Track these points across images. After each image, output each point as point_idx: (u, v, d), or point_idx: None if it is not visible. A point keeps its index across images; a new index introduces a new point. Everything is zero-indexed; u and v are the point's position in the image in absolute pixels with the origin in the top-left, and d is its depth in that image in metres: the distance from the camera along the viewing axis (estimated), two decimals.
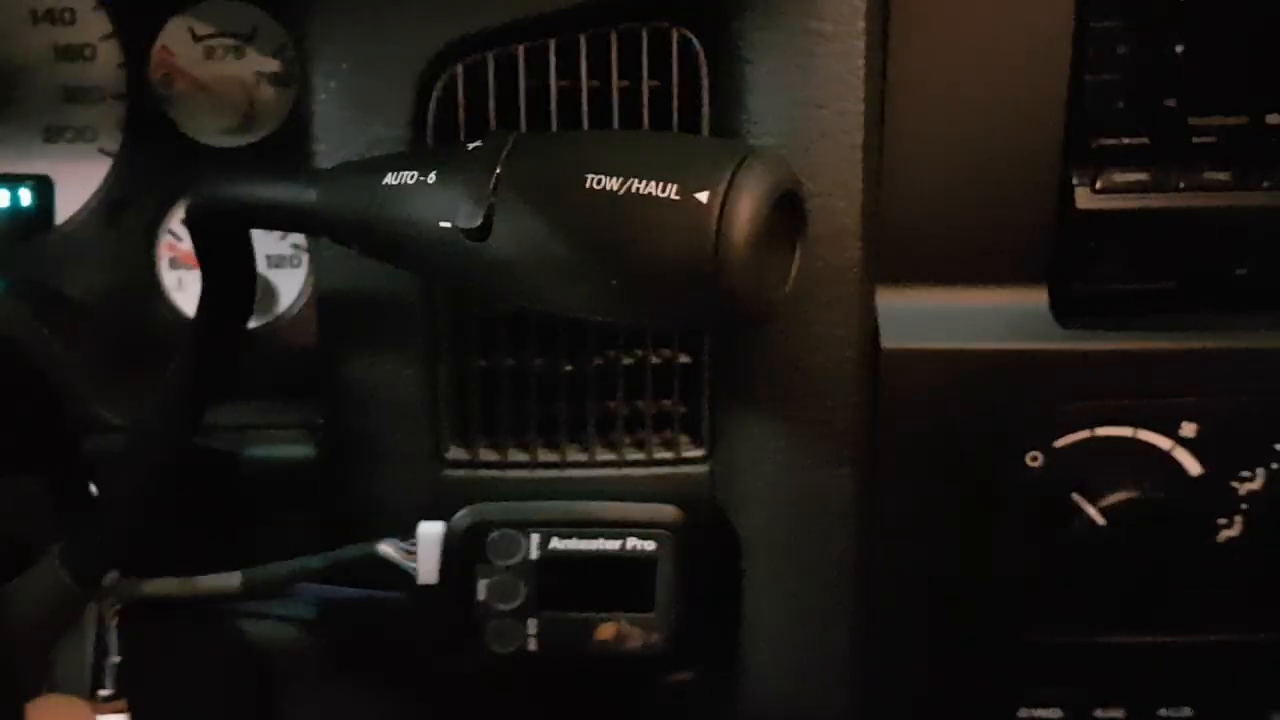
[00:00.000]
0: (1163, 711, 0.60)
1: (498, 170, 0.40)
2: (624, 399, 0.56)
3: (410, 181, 0.42)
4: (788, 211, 0.38)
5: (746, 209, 0.36)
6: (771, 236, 0.37)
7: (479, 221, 0.39)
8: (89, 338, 0.61)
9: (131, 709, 0.62)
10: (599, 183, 0.37)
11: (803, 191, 0.40)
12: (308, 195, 0.45)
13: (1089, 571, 0.56)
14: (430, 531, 0.55)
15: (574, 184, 0.38)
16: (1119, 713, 0.60)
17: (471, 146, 0.41)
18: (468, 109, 0.52)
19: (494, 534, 0.55)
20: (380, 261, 0.46)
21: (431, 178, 0.41)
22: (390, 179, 0.42)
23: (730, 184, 0.36)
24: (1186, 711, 0.60)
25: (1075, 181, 0.55)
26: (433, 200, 0.41)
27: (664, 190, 0.37)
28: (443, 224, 0.40)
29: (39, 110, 0.63)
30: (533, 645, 0.56)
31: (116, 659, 0.67)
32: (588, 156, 0.39)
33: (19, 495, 0.57)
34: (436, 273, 0.44)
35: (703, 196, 0.36)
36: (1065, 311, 0.56)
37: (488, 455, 0.57)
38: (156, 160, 0.63)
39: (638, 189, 0.37)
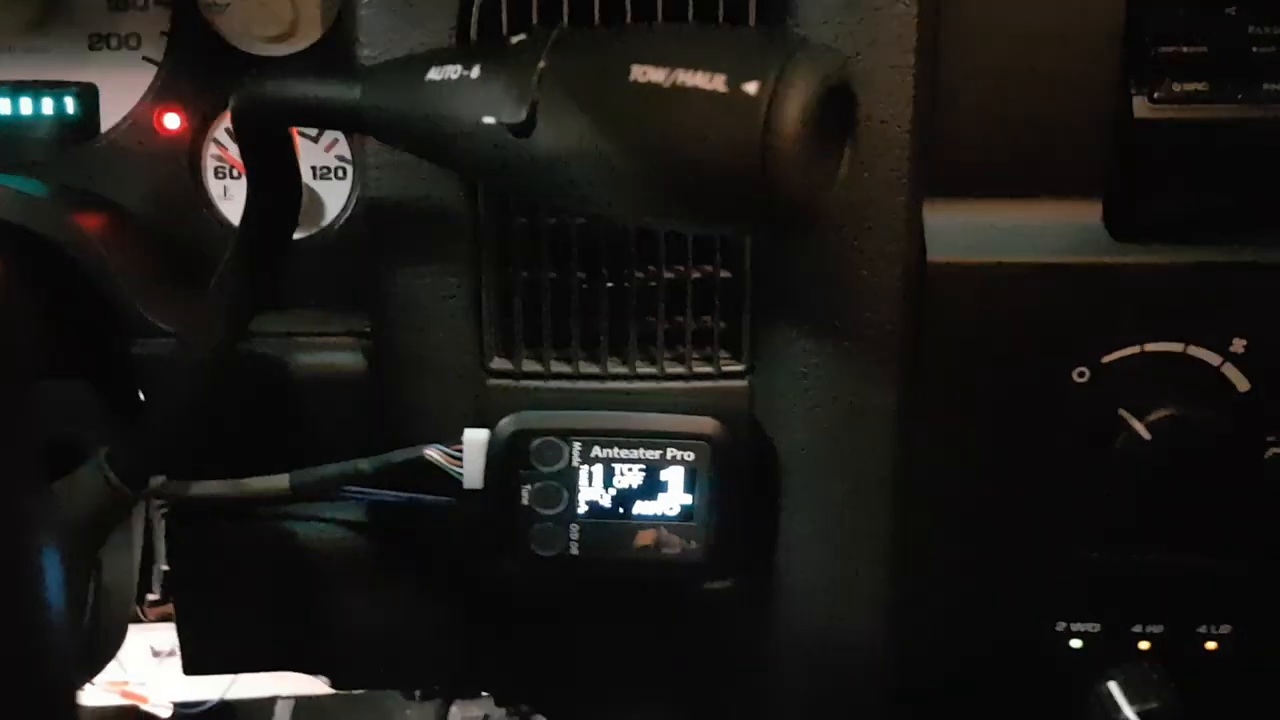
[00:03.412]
0: (1202, 629, 0.60)
1: (541, 63, 0.39)
2: (665, 314, 0.56)
3: (454, 77, 0.41)
4: (838, 106, 0.37)
5: (796, 101, 0.35)
6: (821, 132, 0.36)
7: (522, 116, 0.39)
8: (134, 245, 0.61)
9: (177, 610, 0.64)
10: (644, 74, 0.37)
11: (854, 85, 0.39)
12: (352, 93, 0.44)
13: (1134, 488, 0.55)
14: (476, 437, 0.56)
15: (619, 76, 0.37)
16: (1157, 629, 0.60)
17: (515, 40, 0.40)
18: (511, 13, 0.51)
19: (537, 441, 0.55)
20: (425, 160, 0.46)
21: (475, 72, 0.41)
22: (434, 74, 0.42)
23: (780, 75, 0.35)
24: (1226, 629, 0.60)
25: (1133, 91, 0.53)
26: (476, 96, 0.40)
27: (710, 81, 0.36)
28: (486, 120, 0.40)
29: (83, 18, 0.63)
30: (575, 549, 0.56)
31: (164, 566, 0.69)
32: (633, 47, 0.38)
33: (67, 399, 0.58)
34: (481, 171, 0.44)
35: (750, 88, 0.35)
36: (1119, 225, 0.55)
37: (530, 366, 0.57)
38: (201, 69, 0.63)
39: (683, 80, 0.36)
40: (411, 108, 0.43)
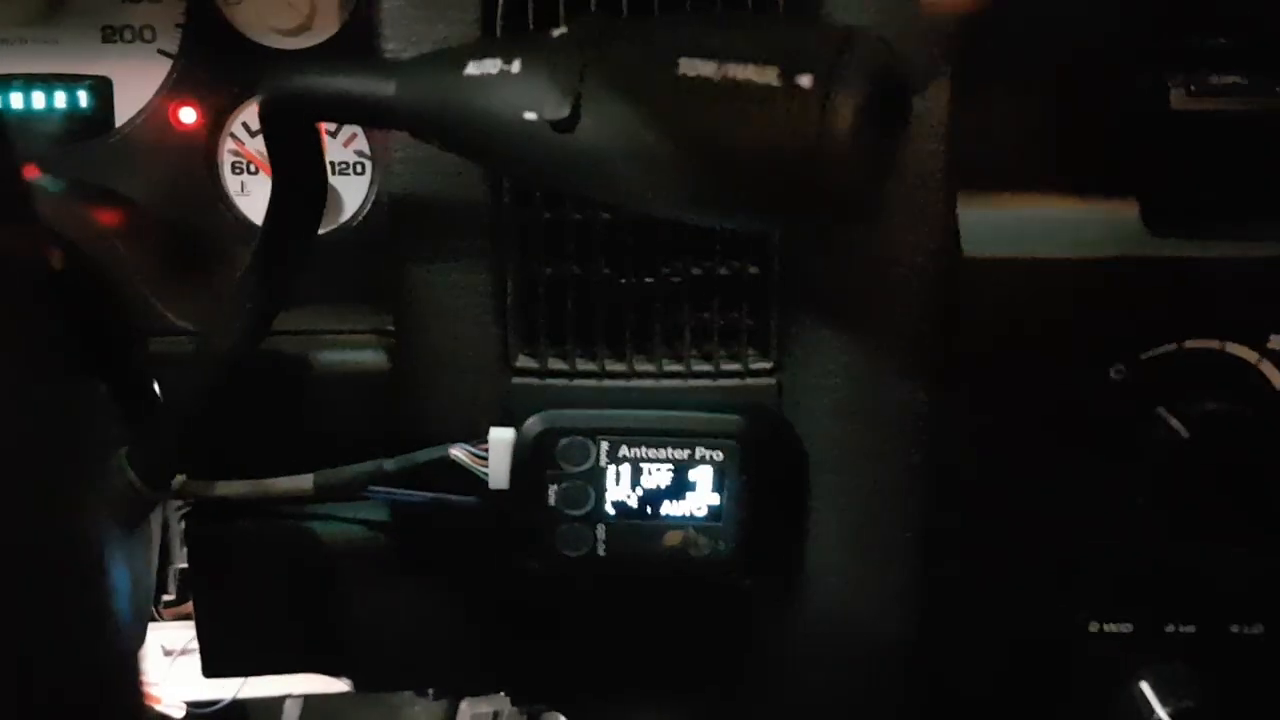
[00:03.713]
0: (1234, 628, 0.59)
1: (585, 57, 0.38)
2: (691, 310, 0.55)
3: (493, 71, 0.40)
4: (891, 99, 0.36)
5: (853, 94, 0.34)
6: (875, 125, 0.35)
7: (566, 112, 0.38)
8: (150, 241, 0.60)
9: (196, 612, 0.63)
10: (693, 68, 0.36)
11: (907, 77, 0.38)
12: (386, 87, 0.43)
13: (1171, 486, 0.54)
14: (502, 437, 0.55)
15: (666, 70, 0.36)
16: (1190, 629, 0.59)
17: (556, 33, 0.39)
18: (538, 4, 0.51)
19: (564, 440, 0.55)
20: (462, 157, 0.45)
21: (515, 67, 0.39)
22: (472, 69, 0.40)
23: (834, 67, 0.34)
24: (1259, 629, 0.59)
25: (1170, 83, 0.53)
26: (517, 90, 0.39)
27: (762, 74, 0.35)
28: (528, 115, 0.39)
29: (96, 10, 0.62)
30: (602, 550, 0.56)
31: (181, 565, 0.68)
32: (681, 40, 0.37)
33: (85, 398, 0.57)
34: (522, 168, 0.42)
35: (805, 80, 0.34)
36: (1155, 218, 0.54)
37: (556, 365, 0.56)
38: (217, 62, 0.62)
39: (734, 74, 0.35)
40: (448, 103, 0.41)
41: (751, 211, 0.38)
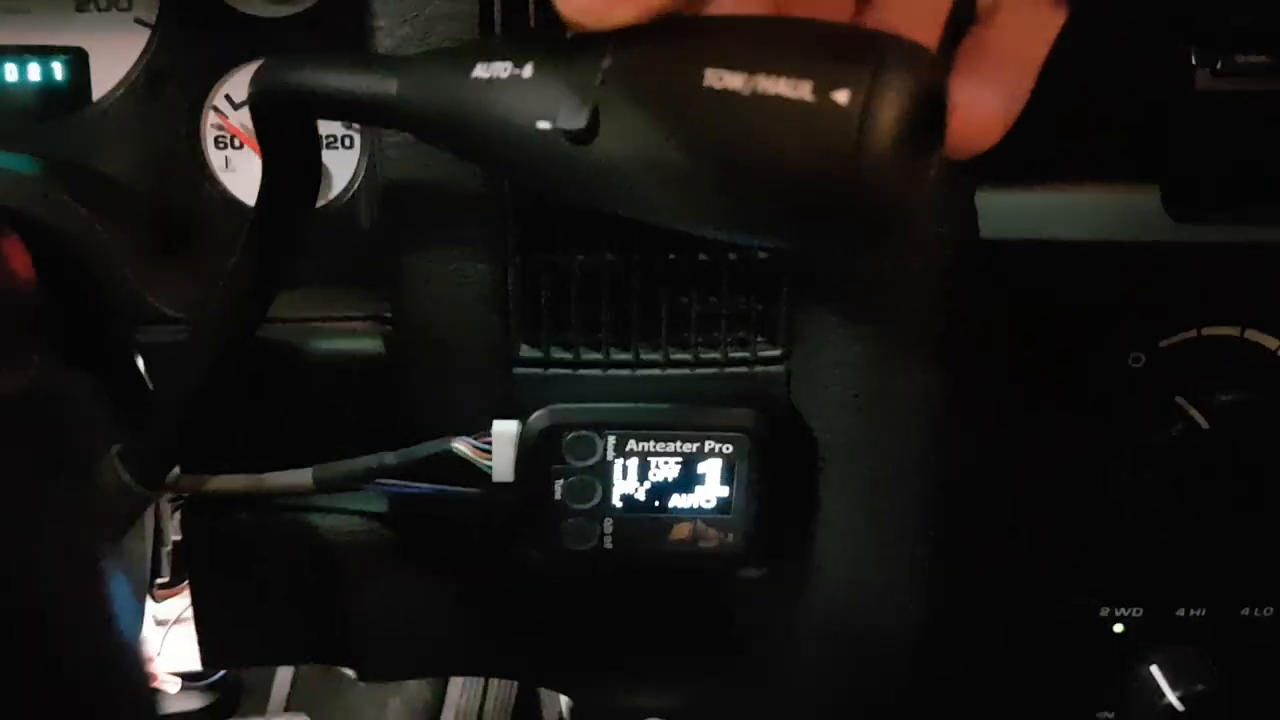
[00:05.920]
0: (1246, 611, 0.59)
1: (604, 63, 0.36)
2: (699, 297, 0.54)
3: (503, 75, 0.37)
4: (932, 112, 0.34)
5: (892, 111, 0.32)
6: (912, 141, 0.33)
7: (583, 123, 0.35)
8: (132, 221, 0.58)
9: (195, 605, 0.62)
10: (720, 80, 0.33)
11: (944, 88, 0.36)
12: (387, 86, 0.41)
13: (1191, 475, 0.54)
14: (506, 430, 0.53)
15: (692, 80, 0.34)
16: (1201, 612, 0.59)
17: (571, 34, 0.37)
18: None
19: (570, 435, 0.53)
20: (468, 162, 0.43)
21: (527, 71, 0.37)
22: (480, 71, 0.38)
23: (873, 82, 0.32)
24: (1270, 612, 0.59)
25: (1195, 63, 0.51)
26: (530, 97, 0.37)
27: (795, 89, 0.32)
28: (541, 124, 0.36)
29: None
30: (609, 544, 0.55)
31: (172, 542, 0.67)
32: (706, 47, 0.34)
33: (73, 391, 0.55)
34: (534, 178, 0.40)
35: (841, 97, 0.32)
36: (1178, 202, 0.52)
37: (559, 355, 0.54)
38: (197, 30, 0.59)
39: (764, 88, 0.33)
40: (454, 108, 0.39)
41: (780, 231, 0.36)
